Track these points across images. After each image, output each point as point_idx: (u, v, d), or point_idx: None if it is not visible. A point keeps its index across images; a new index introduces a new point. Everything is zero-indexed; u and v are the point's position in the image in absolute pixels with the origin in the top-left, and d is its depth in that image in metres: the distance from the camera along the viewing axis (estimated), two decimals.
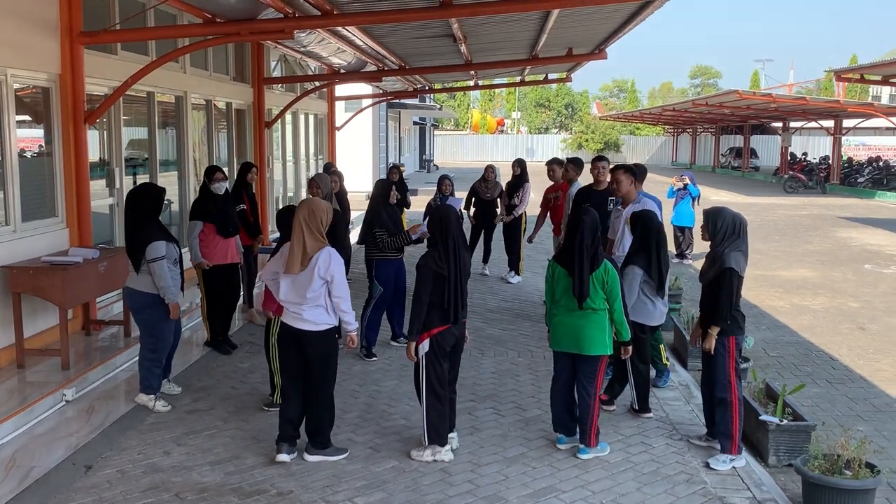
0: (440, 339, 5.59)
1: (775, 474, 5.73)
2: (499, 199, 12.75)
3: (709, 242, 5.78)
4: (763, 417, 5.95)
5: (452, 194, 11.48)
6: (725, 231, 5.65)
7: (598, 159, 8.84)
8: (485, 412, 6.67)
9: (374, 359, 8.13)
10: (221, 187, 8.25)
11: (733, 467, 5.59)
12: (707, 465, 5.63)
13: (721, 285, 5.58)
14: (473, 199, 12.71)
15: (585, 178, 9.24)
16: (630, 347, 5.93)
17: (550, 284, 5.88)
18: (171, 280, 6.35)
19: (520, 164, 12.54)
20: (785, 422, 5.88)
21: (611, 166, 8.38)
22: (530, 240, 11.89)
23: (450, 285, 5.52)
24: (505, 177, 12.93)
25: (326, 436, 5.69)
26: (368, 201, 8.43)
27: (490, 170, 12.85)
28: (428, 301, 5.53)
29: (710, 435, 6.00)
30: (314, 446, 5.66)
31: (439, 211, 5.76)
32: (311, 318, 5.46)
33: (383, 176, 29.71)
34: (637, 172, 7.89)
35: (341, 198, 10.56)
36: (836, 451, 5.06)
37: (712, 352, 5.67)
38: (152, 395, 6.52)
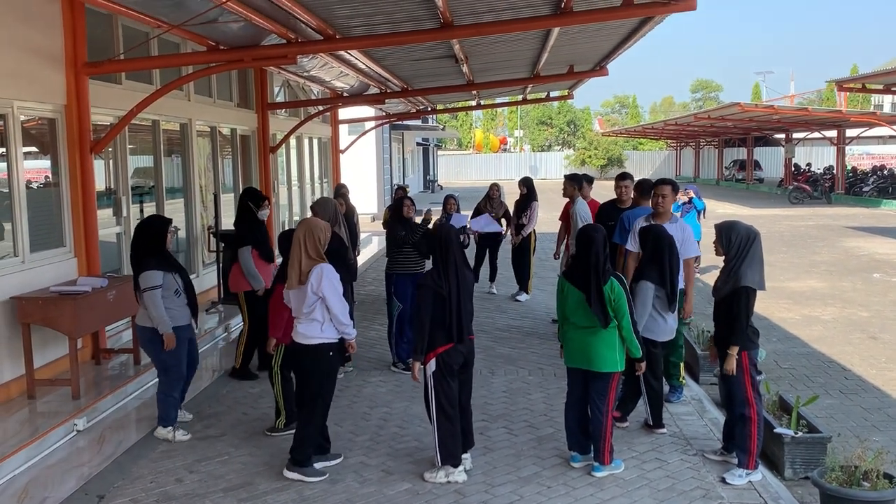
0: (446, 358, 5.57)
1: (792, 487, 5.68)
2: (503, 219, 12.77)
3: (723, 257, 5.76)
4: (778, 430, 5.90)
5: (458, 212, 11.47)
6: (740, 244, 5.62)
7: (622, 177, 8.77)
8: (497, 431, 6.64)
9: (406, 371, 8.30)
10: (265, 214, 8.34)
11: (749, 482, 5.55)
12: (723, 480, 5.58)
13: (737, 303, 5.56)
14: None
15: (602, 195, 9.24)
16: (643, 364, 5.90)
17: (561, 301, 5.88)
18: (164, 311, 6.29)
19: (526, 184, 12.55)
20: (800, 434, 5.84)
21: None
22: (556, 255, 11.61)
23: (451, 304, 5.53)
24: (511, 195, 12.90)
25: (303, 454, 5.69)
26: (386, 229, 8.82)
27: (495, 188, 12.87)
28: (430, 320, 5.54)
29: (725, 449, 5.95)
30: (292, 463, 5.70)
31: (440, 230, 5.79)
32: (305, 331, 5.66)
33: (388, 197, 29.85)
34: (645, 188, 7.93)
35: (349, 217, 10.75)
36: (852, 463, 5.02)
37: (734, 373, 5.62)
38: (170, 427, 6.51)
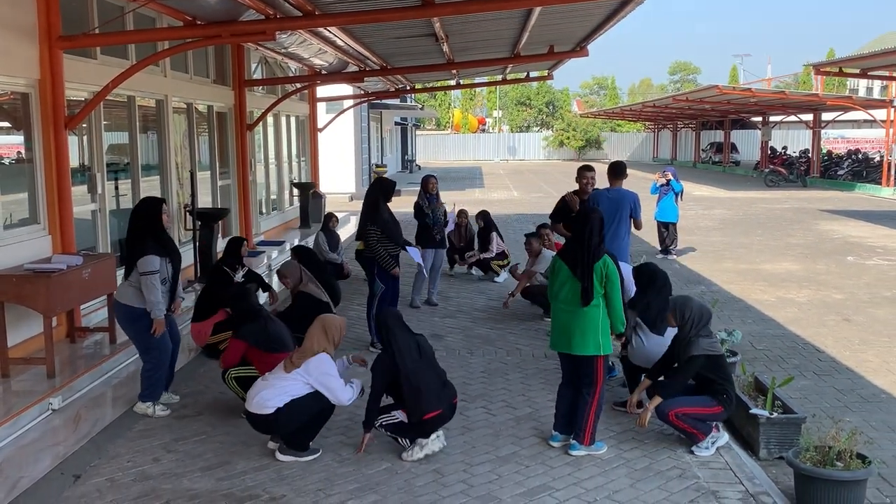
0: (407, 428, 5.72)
1: (767, 467, 5.75)
2: (473, 243, 13.07)
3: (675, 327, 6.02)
4: (753, 411, 5.97)
5: (437, 194, 11.32)
6: (693, 320, 5.88)
7: (587, 169, 8.79)
8: (476, 411, 6.66)
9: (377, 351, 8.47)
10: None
11: (717, 449, 5.71)
12: (690, 451, 5.72)
13: (682, 367, 5.83)
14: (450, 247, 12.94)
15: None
16: (623, 340, 5.96)
17: (551, 281, 5.92)
18: (161, 295, 6.34)
19: (483, 217, 12.90)
20: (775, 415, 5.90)
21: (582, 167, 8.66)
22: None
23: (408, 382, 5.61)
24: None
25: (302, 439, 5.73)
26: (365, 198, 8.68)
27: (463, 215, 13.14)
28: (382, 394, 5.73)
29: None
30: (290, 446, 5.69)
31: (378, 317, 5.95)
32: (264, 401, 5.61)
33: (366, 177, 29.73)
34: (618, 171, 8.10)
35: (331, 234, 11.84)
36: (827, 443, 5.08)
37: (644, 426, 5.84)
38: (150, 403, 6.50)
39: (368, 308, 8.72)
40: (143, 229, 6.41)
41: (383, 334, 5.79)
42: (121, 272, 8.72)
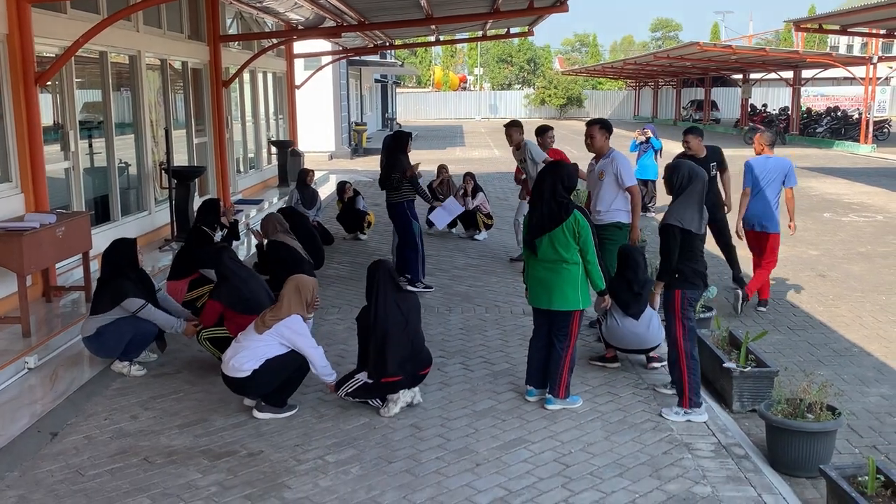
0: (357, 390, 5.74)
1: (739, 420, 5.84)
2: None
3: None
4: (727, 364, 6.04)
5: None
6: (680, 185, 5.65)
7: (690, 131, 9.31)
8: (453, 367, 6.70)
9: (431, 288, 9.21)
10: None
11: (688, 421, 5.60)
12: (659, 414, 5.70)
13: (663, 241, 5.66)
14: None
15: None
16: (607, 297, 5.95)
17: (526, 236, 5.85)
18: (163, 315, 6.51)
19: (472, 178, 12.98)
20: (748, 368, 5.97)
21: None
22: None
23: (375, 340, 5.63)
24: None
25: (280, 397, 5.75)
26: (385, 150, 9.29)
27: (444, 170, 13.05)
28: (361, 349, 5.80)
29: (672, 383, 6.07)
30: (268, 403, 5.70)
31: (370, 266, 5.91)
32: (239, 364, 5.61)
33: (345, 135, 29.49)
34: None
35: (307, 190, 11.95)
36: (798, 396, 5.16)
37: (654, 307, 5.85)
38: (126, 362, 6.50)
39: (409, 251, 9.22)
40: (120, 271, 6.44)
41: (368, 284, 5.78)
42: (95, 230, 8.69)
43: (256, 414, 5.67)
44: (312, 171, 13.15)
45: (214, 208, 8.67)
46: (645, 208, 15.03)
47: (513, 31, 19.52)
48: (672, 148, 28.24)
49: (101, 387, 6.22)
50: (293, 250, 8.25)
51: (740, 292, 8.48)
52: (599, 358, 6.75)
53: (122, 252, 6.56)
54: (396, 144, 9.26)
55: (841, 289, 9.67)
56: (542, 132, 10.10)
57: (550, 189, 5.65)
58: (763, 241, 8.67)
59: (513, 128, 9.84)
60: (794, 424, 4.97)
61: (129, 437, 5.36)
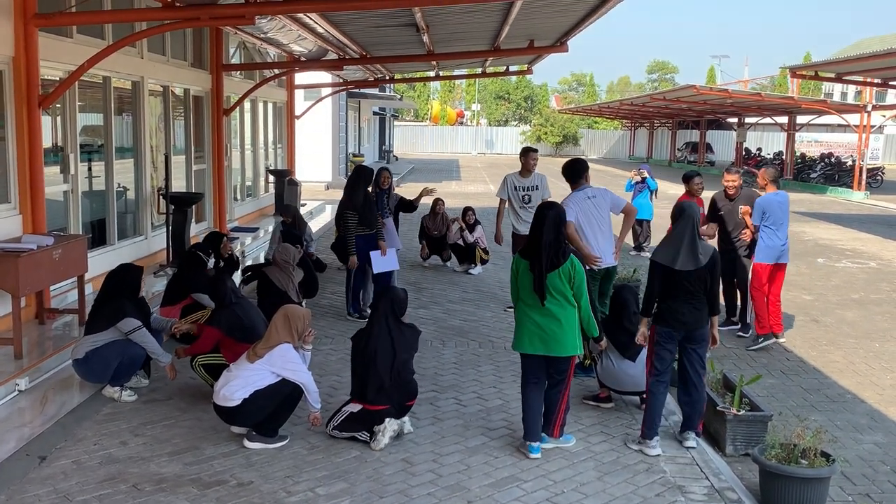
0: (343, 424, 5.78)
1: (732, 463, 5.82)
2: (447, 235, 12.90)
3: None
4: (721, 407, 6.03)
5: (391, 188, 10.89)
6: (672, 223, 5.89)
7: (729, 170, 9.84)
8: (446, 402, 6.67)
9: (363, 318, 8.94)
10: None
11: (685, 445, 5.78)
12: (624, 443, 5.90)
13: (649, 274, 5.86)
14: (424, 234, 13.08)
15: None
16: (603, 342, 5.97)
17: (515, 281, 5.70)
18: (156, 343, 6.50)
19: (473, 212, 13.05)
20: (742, 412, 5.96)
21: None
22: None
23: (359, 364, 5.70)
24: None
25: (271, 427, 5.71)
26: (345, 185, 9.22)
27: (440, 203, 13.03)
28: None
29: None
30: (258, 433, 5.66)
31: (379, 291, 6.16)
32: (230, 394, 5.61)
33: (342, 166, 29.61)
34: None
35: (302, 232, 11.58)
36: (792, 441, 5.14)
37: (640, 342, 5.98)
38: (118, 388, 6.45)
39: (347, 282, 9.40)
40: (122, 294, 6.47)
41: (372, 307, 5.82)
42: (91, 253, 8.68)
43: (247, 444, 5.63)
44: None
45: (216, 241, 8.94)
46: (639, 248, 15.11)
47: (512, 69, 19.73)
48: (667, 188, 28.49)
49: (92, 411, 6.17)
50: (279, 291, 8.19)
51: (762, 338, 8.94)
52: (593, 397, 6.73)
53: (126, 281, 6.59)
54: (356, 180, 9.09)
55: (834, 334, 9.69)
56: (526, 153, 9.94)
57: (544, 234, 5.52)
58: (776, 273, 9.09)
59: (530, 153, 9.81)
60: (788, 470, 4.95)
61: (119, 464, 5.30)
